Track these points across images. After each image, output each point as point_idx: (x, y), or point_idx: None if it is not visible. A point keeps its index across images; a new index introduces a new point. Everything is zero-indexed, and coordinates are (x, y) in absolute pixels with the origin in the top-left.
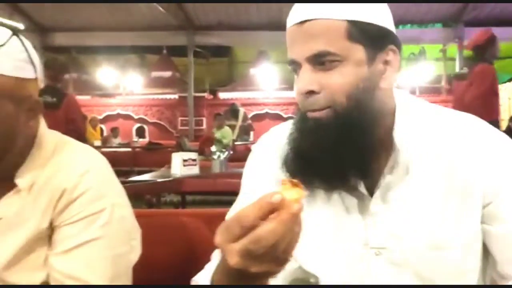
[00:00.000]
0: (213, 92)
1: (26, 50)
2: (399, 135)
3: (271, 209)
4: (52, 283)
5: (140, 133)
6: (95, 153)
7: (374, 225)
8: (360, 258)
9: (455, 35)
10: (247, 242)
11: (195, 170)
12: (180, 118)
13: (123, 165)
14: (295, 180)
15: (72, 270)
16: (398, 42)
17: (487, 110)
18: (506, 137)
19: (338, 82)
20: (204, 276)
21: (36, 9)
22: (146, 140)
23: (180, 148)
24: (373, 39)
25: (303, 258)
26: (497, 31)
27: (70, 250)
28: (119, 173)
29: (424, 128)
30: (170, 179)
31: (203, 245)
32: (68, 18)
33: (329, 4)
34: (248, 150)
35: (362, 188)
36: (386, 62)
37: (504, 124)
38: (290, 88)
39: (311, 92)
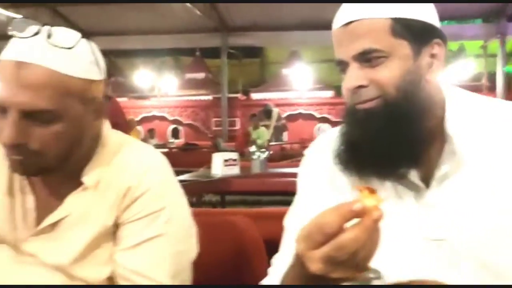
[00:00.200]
0: (246, 93)
1: (93, 52)
2: (451, 126)
3: (353, 217)
4: (117, 278)
5: (175, 134)
6: (157, 152)
7: (432, 216)
8: (421, 251)
9: (497, 30)
10: (330, 249)
11: (235, 170)
12: (213, 119)
13: None
14: (372, 187)
15: (136, 266)
16: (444, 36)
17: None
18: None
19: (385, 75)
20: (272, 280)
21: (76, 14)
22: (181, 141)
23: (216, 148)
24: (417, 34)
25: None
26: None
27: (134, 247)
28: None
29: (476, 117)
30: (212, 179)
31: (252, 244)
32: (106, 23)
33: (373, 4)
34: (283, 150)
35: (415, 179)
36: (432, 56)
37: None
38: (323, 88)
39: (359, 87)
